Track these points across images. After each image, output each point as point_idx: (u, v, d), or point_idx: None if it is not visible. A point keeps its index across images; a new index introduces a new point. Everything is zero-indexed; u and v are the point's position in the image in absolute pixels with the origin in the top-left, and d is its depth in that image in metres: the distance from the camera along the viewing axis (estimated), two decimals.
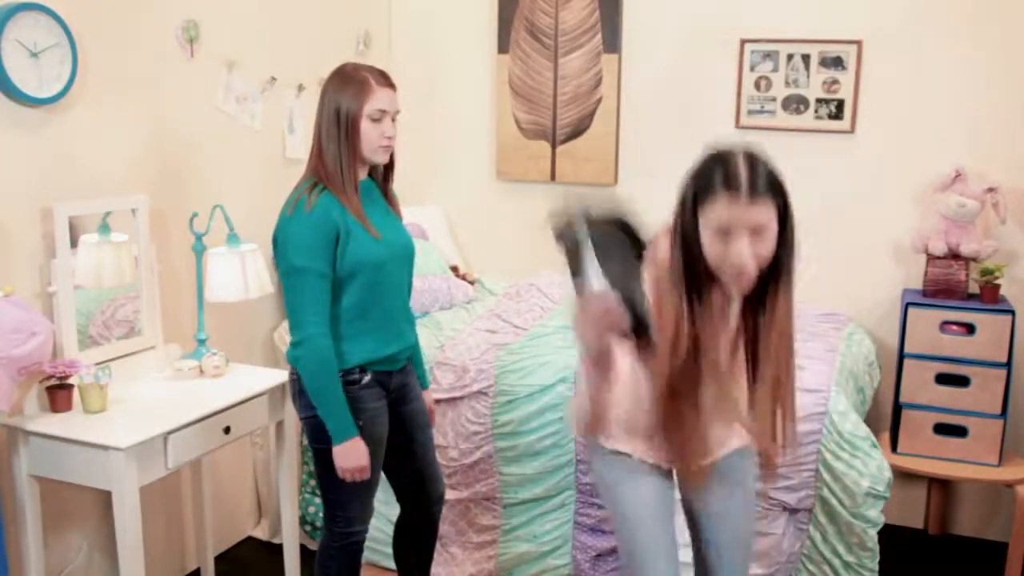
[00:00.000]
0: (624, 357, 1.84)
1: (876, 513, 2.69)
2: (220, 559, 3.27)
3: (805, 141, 3.58)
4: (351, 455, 2.25)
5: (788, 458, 1.96)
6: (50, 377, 2.46)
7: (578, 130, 3.92)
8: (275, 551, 3.23)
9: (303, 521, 3.33)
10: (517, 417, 3.03)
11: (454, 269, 3.87)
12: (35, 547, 2.48)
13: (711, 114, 3.69)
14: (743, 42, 3.61)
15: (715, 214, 1.61)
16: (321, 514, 2.90)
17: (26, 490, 2.45)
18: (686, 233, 1.67)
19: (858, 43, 3.47)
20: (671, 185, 1.79)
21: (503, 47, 3.98)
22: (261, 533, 3.47)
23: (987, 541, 3.54)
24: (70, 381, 2.48)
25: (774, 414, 1.79)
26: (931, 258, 3.35)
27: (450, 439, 3.12)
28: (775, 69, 3.59)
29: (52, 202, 2.52)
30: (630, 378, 1.87)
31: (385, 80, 2.29)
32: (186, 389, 2.70)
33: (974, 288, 3.36)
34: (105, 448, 2.31)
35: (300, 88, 3.46)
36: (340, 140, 2.24)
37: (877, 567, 2.75)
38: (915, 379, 3.26)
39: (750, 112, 3.63)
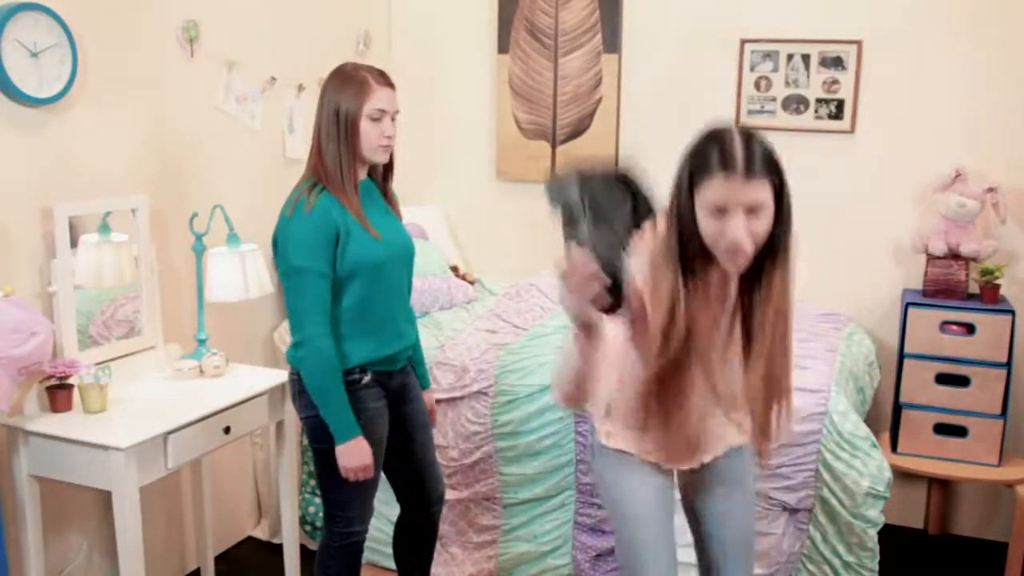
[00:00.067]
0: (617, 336, 1.83)
1: (876, 513, 2.69)
2: (220, 559, 3.27)
3: (805, 141, 3.58)
4: (354, 454, 2.25)
5: (784, 439, 1.93)
6: (50, 377, 2.46)
7: (578, 130, 3.92)
8: (275, 551, 3.23)
9: (303, 521, 3.33)
10: (517, 417, 3.03)
11: (454, 269, 3.87)
12: (35, 547, 2.48)
13: (711, 114, 3.63)
14: (743, 42, 3.61)
15: (710, 193, 1.61)
16: (321, 514, 2.90)
17: (26, 490, 2.45)
18: (682, 212, 1.67)
19: (858, 43, 3.47)
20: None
21: (503, 47, 3.98)
22: (261, 533, 3.47)
23: (987, 541, 3.54)
24: (70, 381, 2.48)
25: (767, 394, 1.78)
26: (931, 258, 3.35)
27: (450, 439, 3.12)
28: (775, 69, 3.59)
29: (52, 202, 2.52)
30: (623, 359, 1.86)
31: (384, 80, 2.29)
32: (186, 389, 2.70)
33: (974, 288, 3.36)
34: (105, 448, 2.31)
35: (300, 88, 3.46)
36: (340, 140, 2.24)
37: (877, 567, 2.75)
38: (915, 379, 3.26)
39: (750, 112, 3.63)
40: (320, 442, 2.33)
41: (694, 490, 2.07)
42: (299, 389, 2.32)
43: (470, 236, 4.20)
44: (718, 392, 1.85)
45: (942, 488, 3.51)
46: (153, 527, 2.97)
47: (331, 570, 2.44)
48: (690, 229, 1.66)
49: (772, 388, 1.77)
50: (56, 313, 2.54)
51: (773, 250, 1.68)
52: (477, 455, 3.09)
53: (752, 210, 1.61)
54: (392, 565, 2.85)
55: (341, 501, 2.38)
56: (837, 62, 3.51)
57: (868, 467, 2.68)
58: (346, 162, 2.25)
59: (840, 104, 3.53)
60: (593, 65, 3.86)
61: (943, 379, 3.24)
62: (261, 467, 3.46)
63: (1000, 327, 3.17)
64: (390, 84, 2.30)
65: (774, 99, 3.61)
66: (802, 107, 3.58)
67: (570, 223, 1.58)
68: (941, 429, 3.25)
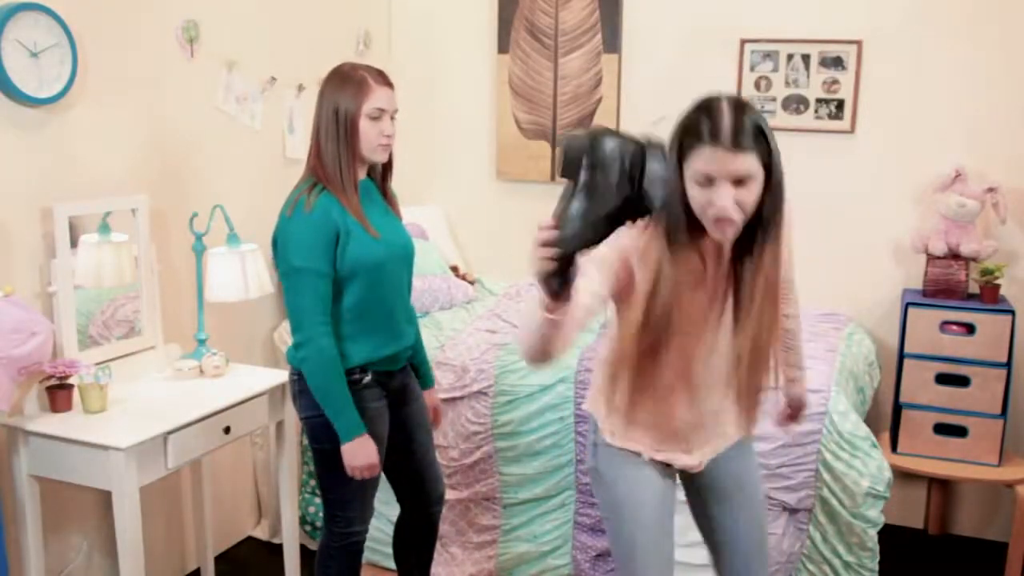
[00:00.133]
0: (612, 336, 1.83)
1: (876, 513, 2.69)
2: (220, 559, 3.27)
3: (805, 141, 3.58)
4: (360, 453, 2.25)
5: (767, 404, 1.93)
6: (50, 377, 2.46)
7: None
8: (275, 551, 3.23)
9: (303, 521, 3.33)
10: (517, 417, 3.03)
11: (454, 269, 3.87)
12: (35, 547, 2.48)
13: None
14: (743, 42, 3.61)
15: (698, 162, 1.63)
16: (321, 514, 2.90)
17: (26, 490, 2.45)
18: (672, 181, 1.68)
19: (858, 43, 3.47)
20: None
21: (503, 47, 3.98)
22: (261, 533, 3.47)
23: (987, 541, 3.54)
24: (70, 381, 2.48)
25: (753, 366, 1.79)
26: (931, 258, 3.35)
27: (450, 439, 3.12)
28: (775, 69, 3.59)
29: (52, 202, 2.52)
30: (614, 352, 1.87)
31: (383, 79, 2.29)
32: (186, 389, 2.70)
33: (974, 288, 3.36)
34: (105, 448, 2.31)
35: (300, 88, 3.46)
36: (339, 140, 2.24)
37: (877, 567, 2.75)
38: (915, 379, 3.26)
39: None
40: (320, 442, 2.33)
41: (704, 498, 2.05)
42: (299, 389, 2.32)
43: (470, 236, 4.20)
44: (693, 373, 1.85)
45: (942, 488, 3.50)
46: (153, 527, 2.97)
47: (331, 570, 2.44)
48: (681, 198, 1.68)
49: (759, 360, 1.79)
50: (56, 313, 2.54)
51: (763, 221, 1.69)
52: (477, 455, 3.09)
53: (739, 181, 1.62)
54: (392, 565, 2.85)
55: (341, 501, 2.38)
56: (837, 62, 3.51)
57: (868, 467, 2.68)
58: (346, 162, 2.25)
59: (840, 104, 3.53)
60: (593, 65, 3.86)
61: (943, 379, 3.24)
62: (261, 467, 3.46)
63: (1000, 327, 3.17)
64: (388, 83, 2.30)
65: (774, 99, 3.61)
66: (802, 107, 3.58)
67: (570, 172, 1.51)
68: (941, 429, 3.25)
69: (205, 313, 2.93)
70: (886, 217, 3.54)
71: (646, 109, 3.83)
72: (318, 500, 3.27)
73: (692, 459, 1.97)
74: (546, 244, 1.48)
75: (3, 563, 2.33)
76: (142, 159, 2.85)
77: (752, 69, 3.62)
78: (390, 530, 2.88)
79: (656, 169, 1.53)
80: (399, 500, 2.63)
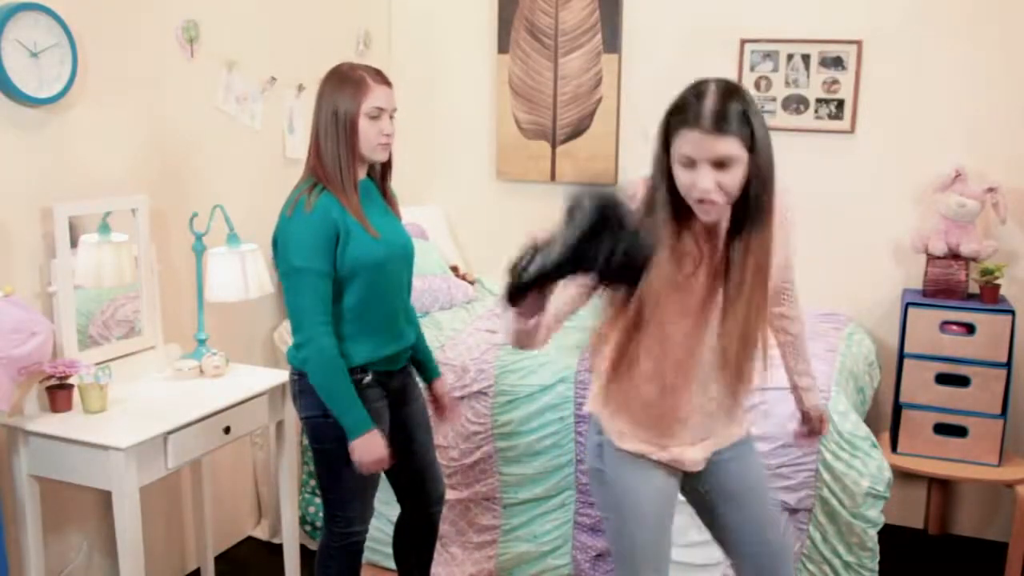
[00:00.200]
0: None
1: (876, 513, 2.69)
2: (220, 559, 3.27)
3: (805, 141, 3.58)
4: (370, 448, 2.24)
5: (756, 386, 1.95)
6: (50, 377, 2.46)
7: (578, 130, 3.92)
8: (275, 551, 3.23)
9: (303, 521, 3.33)
10: (517, 417, 3.03)
11: (454, 269, 3.87)
12: (35, 547, 2.48)
13: None
14: (743, 42, 3.61)
15: (681, 146, 1.69)
16: (321, 514, 2.90)
17: (26, 490, 2.45)
18: (659, 163, 1.75)
19: (858, 43, 3.47)
20: None
21: (503, 47, 3.98)
22: (261, 533, 3.48)
23: (987, 541, 3.54)
24: (70, 381, 2.48)
25: (740, 353, 1.80)
26: (931, 258, 3.35)
27: (450, 439, 3.12)
28: (775, 69, 3.59)
29: (52, 202, 2.52)
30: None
31: (381, 78, 2.29)
32: (186, 389, 2.70)
33: (974, 288, 3.36)
34: (105, 448, 2.31)
35: (300, 88, 3.46)
36: (339, 139, 2.24)
37: (877, 567, 2.75)
38: (915, 379, 3.26)
39: None
40: (320, 442, 2.33)
41: (712, 500, 2.03)
42: (299, 389, 2.32)
43: (470, 236, 4.20)
44: (693, 363, 1.86)
45: (942, 488, 3.51)
46: (153, 527, 2.97)
47: (331, 570, 2.44)
48: (667, 179, 1.74)
49: (748, 344, 1.80)
50: (56, 313, 2.54)
51: (749, 204, 1.73)
52: (477, 455, 3.09)
53: (721, 163, 1.67)
54: (392, 565, 2.85)
55: (341, 501, 2.38)
56: (837, 62, 3.51)
57: (868, 467, 2.68)
58: (345, 162, 2.25)
59: (840, 104, 3.53)
60: (593, 65, 3.86)
61: (943, 379, 3.24)
62: (261, 467, 3.46)
63: (1000, 327, 3.17)
64: (387, 82, 2.30)
65: (774, 99, 3.61)
66: (802, 107, 3.58)
67: (570, 221, 1.56)
68: (941, 429, 3.25)
69: (205, 313, 2.93)
70: (886, 217, 3.54)
71: (646, 109, 3.81)
72: (318, 500, 3.27)
73: (696, 453, 1.96)
74: (515, 264, 1.53)
75: (3, 563, 2.33)
76: (142, 159, 2.85)
77: (752, 69, 3.62)
78: (390, 530, 2.88)
79: (620, 245, 1.53)
80: (399, 500, 2.63)
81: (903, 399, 3.29)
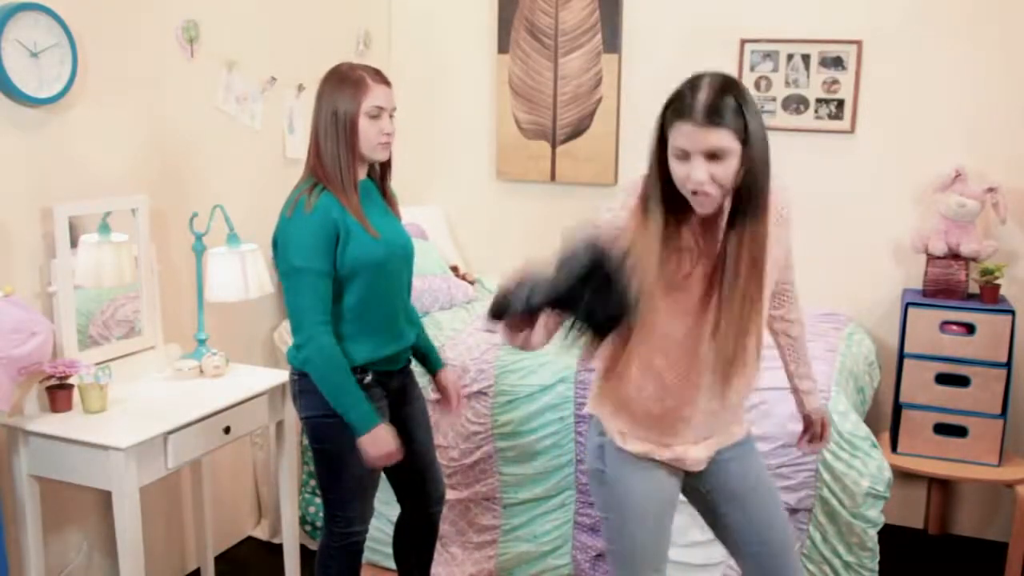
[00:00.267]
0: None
1: (876, 513, 2.69)
2: (220, 559, 3.27)
3: (805, 141, 3.58)
4: (378, 443, 2.24)
5: (752, 388, 1.97)
6: (50, 377, 2.46)
7: (578, 130, 3.92)
8: (275, 551, 3.23)
9: (303, 521, 3.33)
10: (517, 417, 3.03)
11: (454, 269, 3.87)
12: (35, 547, 2.48)
13: None
14: (743, 42, 3.61)
15: (675, 138, 1.72)
16: (321, 514, 2.90)
17: (26, 490, 2.45)
18: (655, 154, 1.78)
19: (858, 43, 3.47)
20: None
21: (503, 47, 3.98)
22: (261, 533, 3.48)
23: (987, 541, 3.54)
24: (70, 381, 2.48)
25: (737, 339, 1.80)
26: (931, 258, 3.35)
27: (450, 439, 3.12)
28: (775, 69, 3.59)
29: (52, 202, 2.52)
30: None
31: (380, 77, 2.29)
32: (186, 389, 2.70)
33: (974, 288, 3.36)
34: (105, 448, 2.31)
35: (300, 88, 3.46)
36: (339, 139, 2.24)
37: (877, 567, 2.75)
38: (915, 379, 3.26)
39: None
40: (320, 442, 2.33)
41: (714, 500, 2.03)
42: (300, 389, 2.32)
43: (470, 236, 4.20)
44: (694, 359, 1.86)
45: (942, 488, 3.51)
46: (153, 527, 2.97)
47: (331, 570, 2.44)
48: (662, 171, 1.77)
49: (743, 335, 1.80)
50: (56, 313, 2.54)
51: (742, 196, 1.74)
52: (477, 455, 3.09)
53: (714, 156, 1.69)
54: (392, 565, 2.85)
55: (341, 501, 2.38)
56: (837, 62, 3.51)
57: (868, 467, 2.68)
58: (345, 162, 2.25)
59: (840, 104, 3.53)
60: (593, 65, 3.86)
61: (943, 379, 3.24)
62: (261, 467, 3.46)
63: (1000, 327, 3.17)
64: (386, 81, 2.31)
65: (774, 99, 3.61)
66: (802, 107, 3.58)
67: (557, 267, 1.65)
68: (941, 429, 3.25)
69: (205, 313, 2.93)
70: (886, 217, 3.54)
71: (646, 109, 3.81)
72: (318, 500, 3.27)
73: (699, 452, 1.95)
74: (503, 295, 1.59)
75: (3, 563, 2.33)
76: (142, 159, 2.85)
77: (752, 69, 3.62)
78: (390, 530, 2.88)
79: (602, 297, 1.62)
80: (399, 500, 2.63)
81: (903, 399, 3.29)
